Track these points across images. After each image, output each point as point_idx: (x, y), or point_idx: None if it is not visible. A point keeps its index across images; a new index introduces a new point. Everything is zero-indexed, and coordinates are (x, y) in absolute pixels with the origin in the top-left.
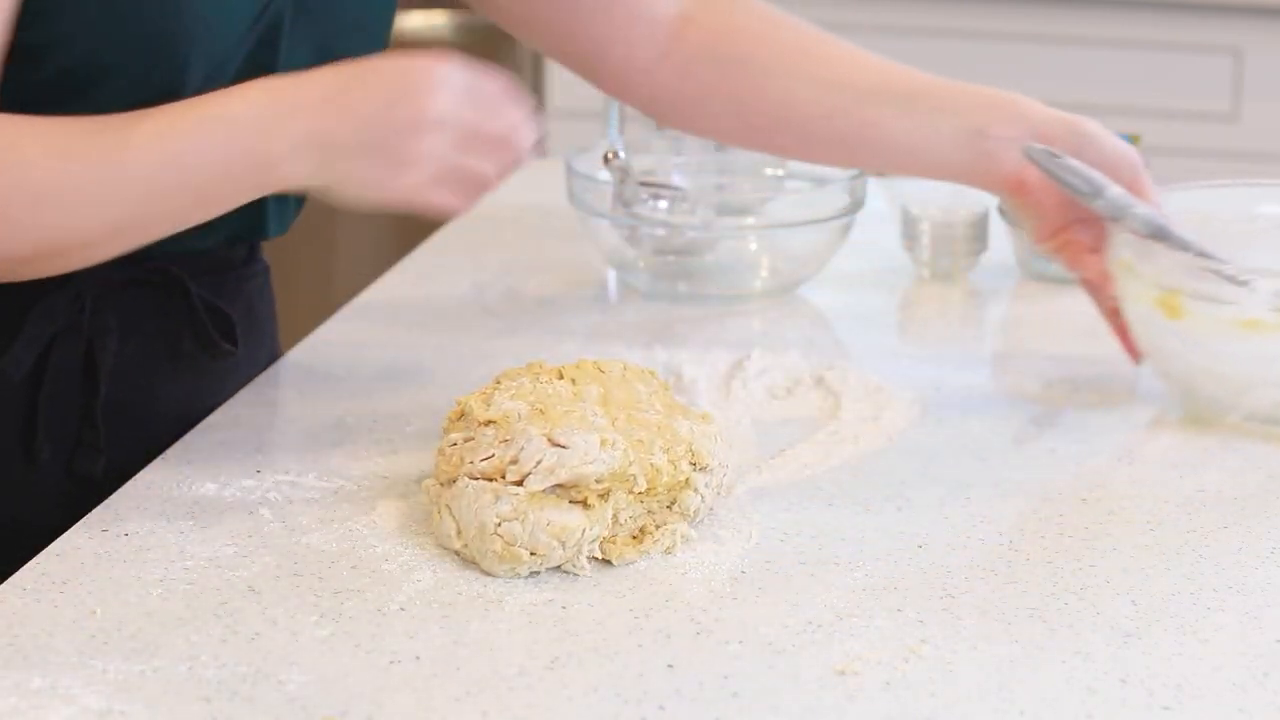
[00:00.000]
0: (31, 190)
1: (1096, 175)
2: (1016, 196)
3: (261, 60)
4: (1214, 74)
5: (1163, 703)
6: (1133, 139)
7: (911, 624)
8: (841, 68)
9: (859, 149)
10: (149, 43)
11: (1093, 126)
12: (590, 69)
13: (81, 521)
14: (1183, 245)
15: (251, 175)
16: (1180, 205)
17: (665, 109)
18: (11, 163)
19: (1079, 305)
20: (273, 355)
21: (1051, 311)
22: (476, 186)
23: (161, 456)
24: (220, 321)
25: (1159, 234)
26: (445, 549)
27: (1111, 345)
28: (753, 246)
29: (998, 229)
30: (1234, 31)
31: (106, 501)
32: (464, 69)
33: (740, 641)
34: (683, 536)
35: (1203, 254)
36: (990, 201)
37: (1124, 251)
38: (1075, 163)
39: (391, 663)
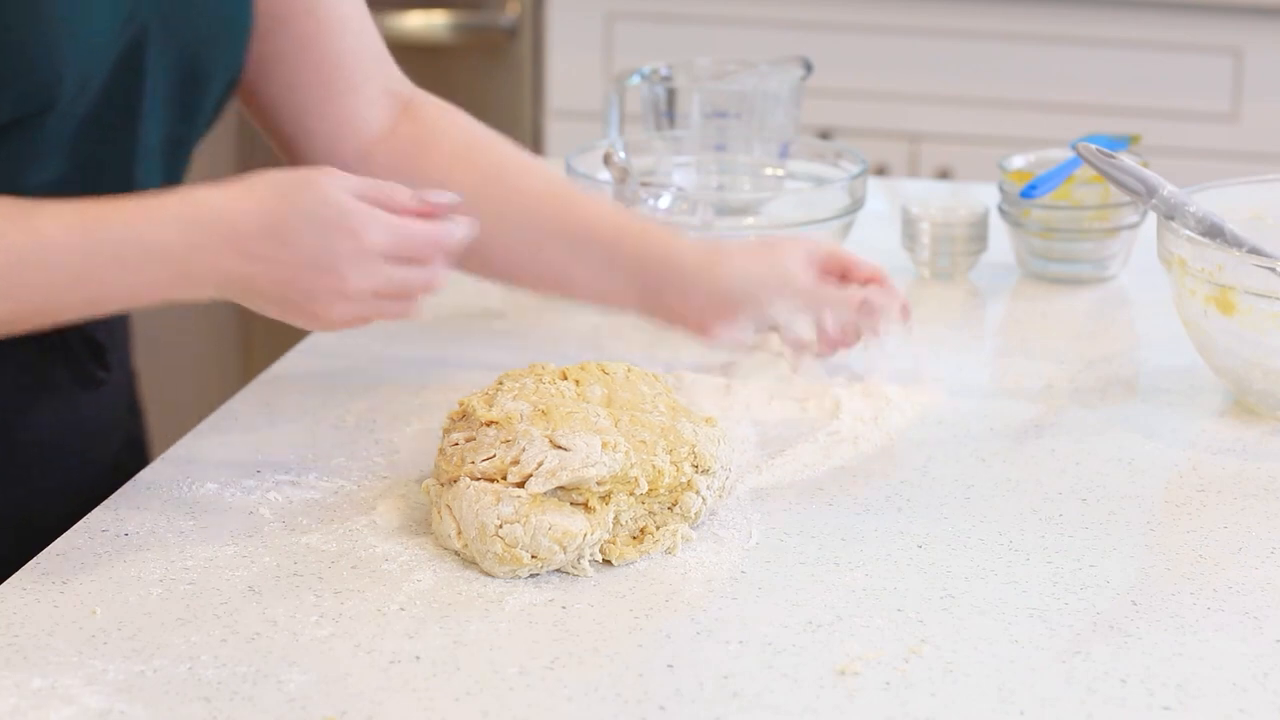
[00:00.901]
0: None
1: (1150, 175)
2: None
3: (129, 67)
4: (1214, 74)
5: (1163, 703)
6: (1133, 139)
7: (911, 624)
8: (529, 200)
9: (534, 282)
10: (15, 54)
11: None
12: (292, 160)
13: (81, 521)
14: (1236, 242)
15: (171, 295)
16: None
17: None
18: None
19: (1079, 305)
20: (130, 373)
21: (1051, 311)
22: (407, 296)
23: (161, 457)
24: (93, 349)
25: (1212, 232)
26: (445, 549)
27: (1111, 345)
28: None
29: (998, 229)
30: (1234, 31)
31: (106, 501)
32: (376, 211)
33: (740, 641)
34: (683, 537)
35: (1256, 251)
36: (990, 201)
37: (1178, 249)
38: (1128, 162)
39: (391, 663)
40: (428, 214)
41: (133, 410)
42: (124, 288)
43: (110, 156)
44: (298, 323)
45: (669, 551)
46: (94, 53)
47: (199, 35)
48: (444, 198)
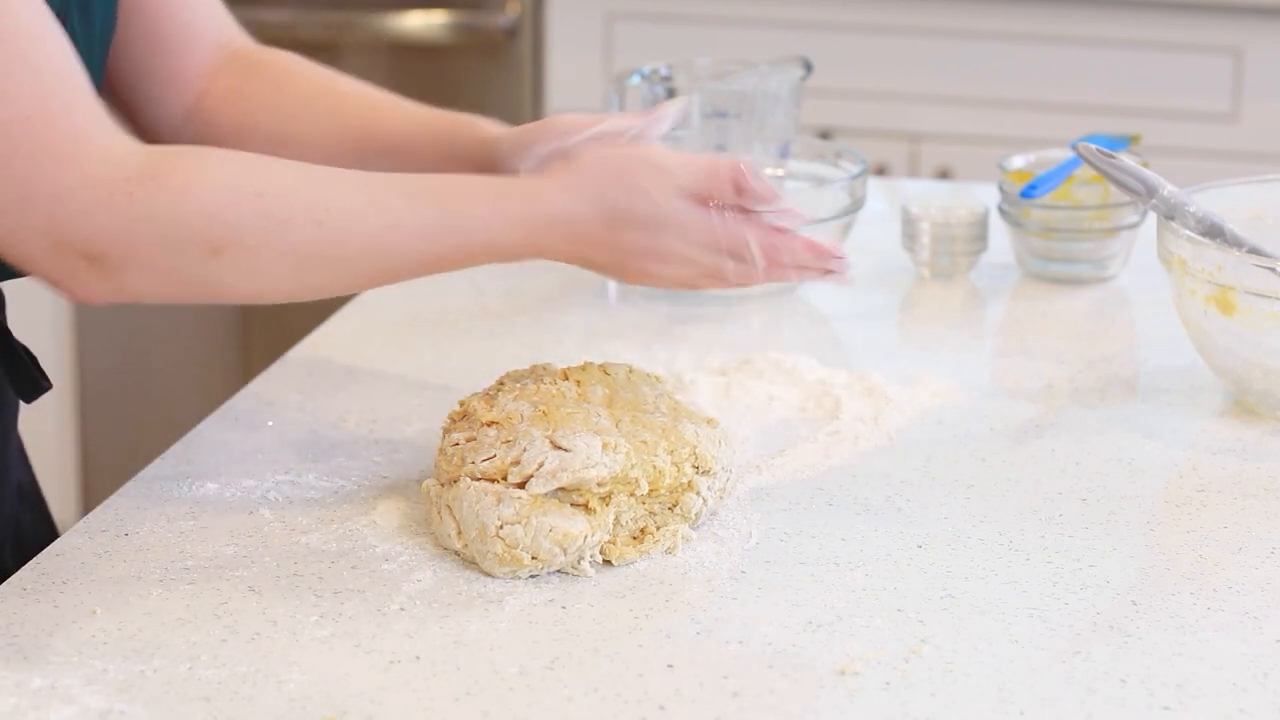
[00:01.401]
0: (298, 252)
1: (1150, 175)
2: None
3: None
4: (1214, 74)
5: (1163, 703)
6: (1133, 139)
7: (911, 624)
8: (347, 119)
9: None
10: None
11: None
12: (128, 120)
13: (81, 521)
14: (1236, 242)
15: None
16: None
17: (213, 142)
18: (280, 219)
19: (1079, 305)
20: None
21: (1051, 311)
22: (737, 264)
23: (161, 456)
24: (30, 356)
25: (1212, 232)
26: (445, 549)
27: (1111, 344)
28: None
29: (998, 229)
30: (1234, 31)
31: (106, 501)
32: (698, 212)
33: (740, 641)
34: (683, 538)
35: (1256, 251)
36: (990, 201)
37: (1178, 249)
38: (1128, 162)
39: (391, 663)
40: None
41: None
42: (456, 269)
43: None
44: (637, 279)
45: (669, 552)
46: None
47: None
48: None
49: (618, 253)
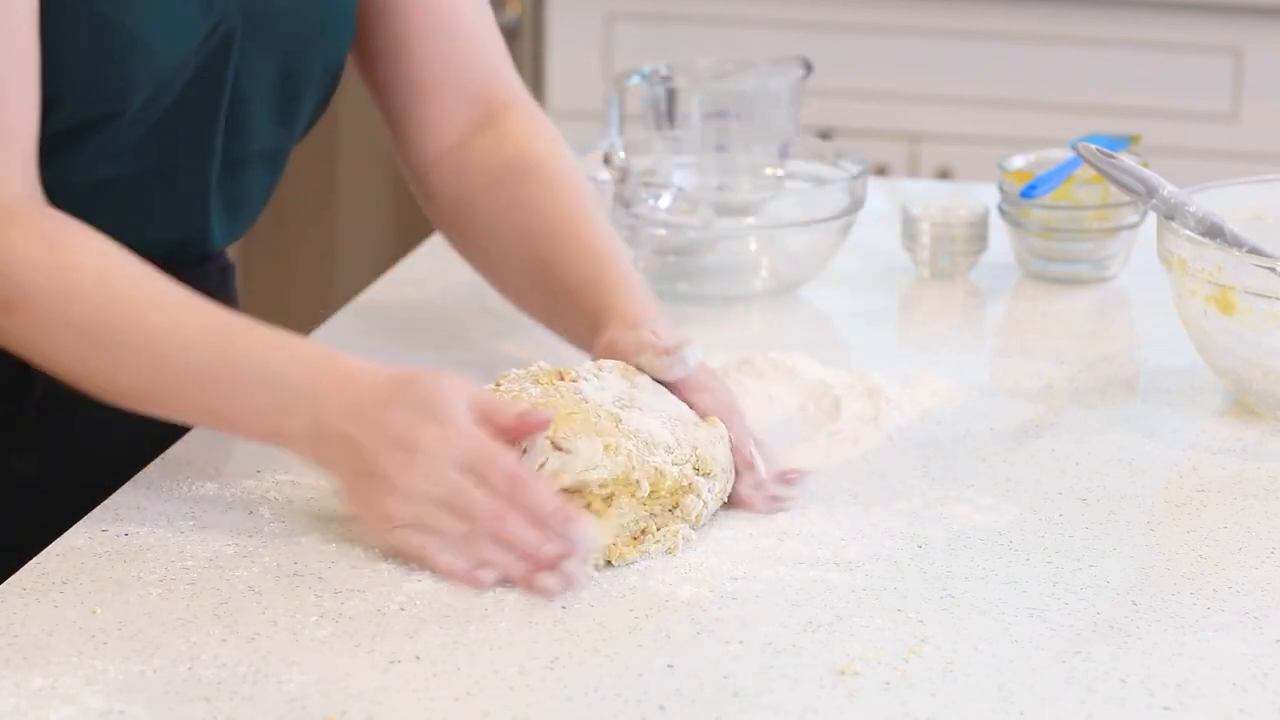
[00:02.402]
0: (80, 327)
1: (1150, 175)
2: None
3: (212, 74)
4: (1214, 74)
5: (1163, 703)
6: (1133, 139)
7: (911, 624)
8: (529, 243)
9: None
10: (92, 72)
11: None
12: (394, 147)
13: (81, 521)
14: (1236, 242)
15: (261, 433)
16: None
17: (438, 202)
18: (70, 293)
19: (1079, 305)
20: None
21: (1051, 311)
22: (470, 520)
23: (161, 456)
24: None
25: (1212, 232)
26: None
27: (1111, 344)
28: (753, 247)
29: (998, 229)
30: (1234, 31)
31: (106, 502)
32: (472, 426)
33: (740, 641)
34: (684, 538)
35: (1256, 251)
36: (990, 201)
37: (1178, 249)
38: (1128, 162)
39: (391, 663)
40: (518, 435)
41: None
42: (221, 403)
43: (185, 164)
44: (354, 507)
45: (669, 552)
46: (173, 64)
47: (294, 43)
48: (538, 419)
49: (372, 433)
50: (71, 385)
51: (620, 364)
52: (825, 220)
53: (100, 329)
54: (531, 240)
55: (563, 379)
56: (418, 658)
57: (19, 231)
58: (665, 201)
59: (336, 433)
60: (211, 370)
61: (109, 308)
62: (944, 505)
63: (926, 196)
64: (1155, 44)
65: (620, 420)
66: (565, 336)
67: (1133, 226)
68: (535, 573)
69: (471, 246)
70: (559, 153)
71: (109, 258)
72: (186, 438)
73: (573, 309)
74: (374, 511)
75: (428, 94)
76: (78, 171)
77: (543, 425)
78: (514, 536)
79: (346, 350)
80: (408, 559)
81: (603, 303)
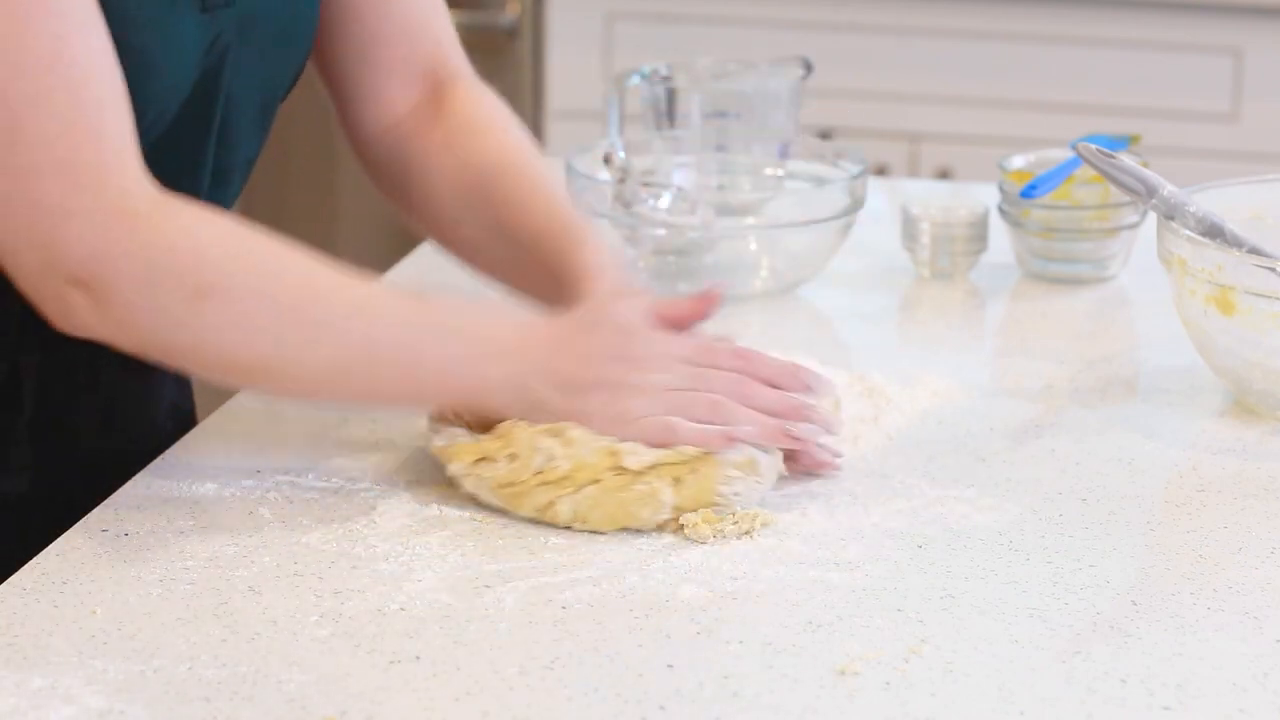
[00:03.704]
0: (281, 302)
1: (1150, 175)
2: None
3: (208, 87)
4: (1214, 74)
5: (1163, 703)
6: (1133, 139)
7: (911, 624)
8: (496, 207)
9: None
10: None
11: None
12: (337, 112)
13: (81, 521)
14: (1236, 242)
15: (461, 393)
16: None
17: (387, 172)
18: (268, 272)
19: (1079, 305)
20: None
21: (1051, 311)
22: (723, 413)
23: (161, 456)
24: None
25: (1212, 232)
26: (445, 549)
27: (1111, 345)
28: (753, 246)
29: (998, 229)
30: (1234, 31)
31: (106, 501)
32: (682, 340)
33: (740, 641)
34: (762, 522)
35: (1256, 251)
36: (990, 201)
37: (1178, 249)
38: (1128, 162)
39: (391, 663)
40: (700, 313)
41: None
42: (419, 363)
43: (178, 180)
44: (594, 423)
45: (747, 534)
46: (178, 84)
47: (277, 48)
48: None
49: (587, 361)
50: (247, 383)
51: None
52: (825, 220)
53: (304, 305)
54: (486, 194)
55: None
56: (418, 658)
57: (190, 218)
58: (665, 201)
59: (547, 369)
60: (411, 329)
61: (307, 284)
62: (944, 505)
63: (926, 196)
64: (1155, 44)
65: None
66: (525, 289)
67: (1133, 226)
68: (786, 427)
69: (424, 212)
70: (507, 117)
71: (278, 242)
72: (186, 438)
73: (533, 261)
74: (615, 413)
75: (376, 66)
76: None
77: (717, 298)
78: (761, 399)
79: None
80: (657, 443)
81: (565, 253)
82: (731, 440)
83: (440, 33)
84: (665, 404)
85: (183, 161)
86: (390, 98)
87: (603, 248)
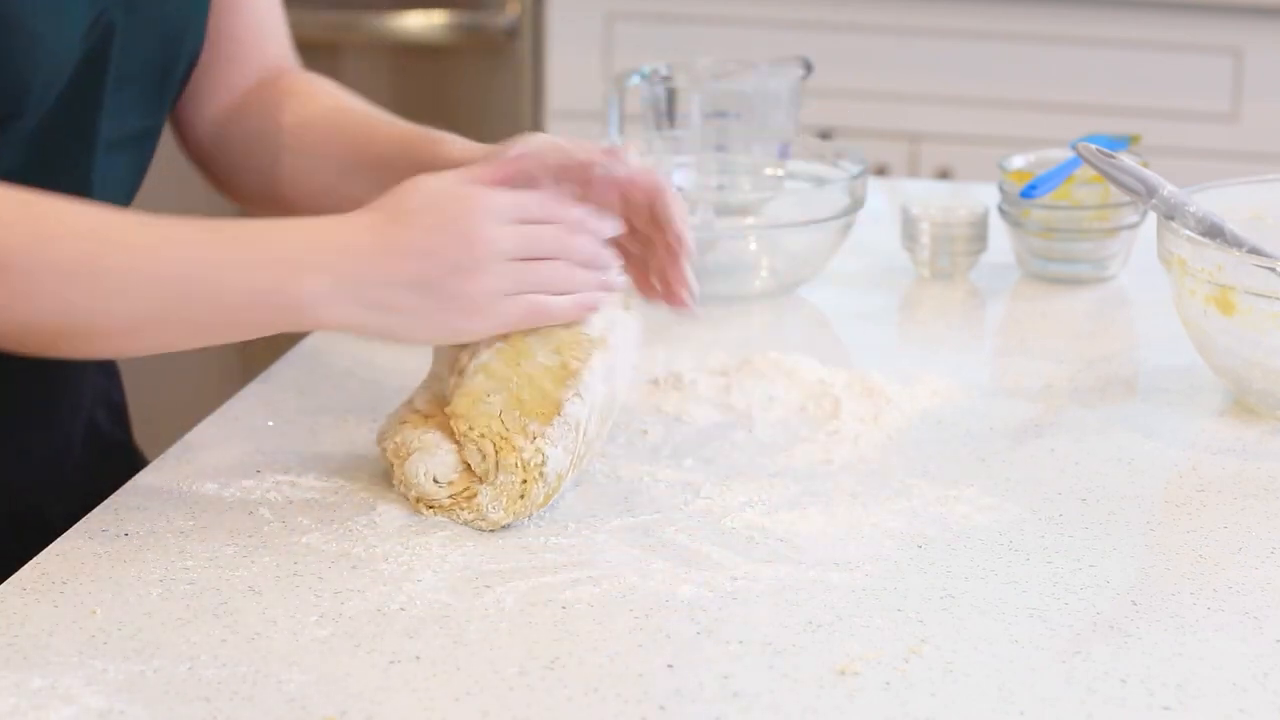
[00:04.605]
0: (62, 267)
1: (1150, 175)
2: None
3: (92, 66)
4: (1214, 74)
5: (1163, 703)
6: (1133, 139)
7: (911, 624)
8: (345, 136)
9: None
10: None
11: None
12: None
13: (81, 521)
14: (1236, 242)
15: (280, 313)
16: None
17: (223, 161)
18: (48, 237)
19: (1079, 305)
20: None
21: (1051, 311)
22: (564, 286)
23: (161, 456)
24: None
25: (1212, 232)
26: (445, 549)
27: (1111, 344)
28: (753, 247)
29: (998, 229)
30: (1234, 31)
31: (106, 501)
32: (502, 191)
33: (740, 641)
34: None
35: (1256, 251)
36: (990, 201)
37: (1178, 249)
38: (1128, 162)
39: (391, 663)
40: (512, 175)
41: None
42: (222, 296)
43: (68, 151)
44: (433, 326)
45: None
46: (62, 58)
47: (169, 24)
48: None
49: (409, 254)
50: (56, 351)
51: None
52: (825, 220)
53: (91, 263)
54: (335, 135)
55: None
56: (418, 658)
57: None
58: None
59: (378, 266)
60: (209, 261)
61: (93, 241)
62: (944, 505)
63: (926, 196)
64: (1155, 44)
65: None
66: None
67: (1133, 226)
68: (604, 279)
69: (269, 179)
70: (342, 88)
71: (67, 203)
72: (186, 438)
73: (397, 180)
74: (463, 306)
75: (209, 67)
76: None
77: (520, 158)
78: (581, 250)
79: (337, 356)
80: (527, 325)
81: (433, 156)
82: (593, 308)
83: (282, 31)
84: (516, 279)
85: (70, 135)
86: (220, 95)
87: (466, 141)
